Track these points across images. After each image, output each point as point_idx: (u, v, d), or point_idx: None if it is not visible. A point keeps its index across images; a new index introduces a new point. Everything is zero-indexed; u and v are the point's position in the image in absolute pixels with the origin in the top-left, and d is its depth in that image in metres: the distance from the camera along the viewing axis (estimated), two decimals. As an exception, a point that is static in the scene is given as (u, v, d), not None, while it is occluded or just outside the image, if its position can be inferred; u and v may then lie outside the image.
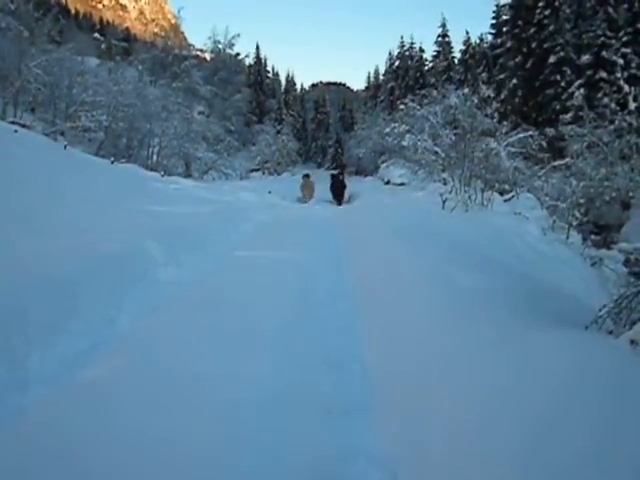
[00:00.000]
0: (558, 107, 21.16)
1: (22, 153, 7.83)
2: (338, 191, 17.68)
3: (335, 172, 20.78)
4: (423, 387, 2.81)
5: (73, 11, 69.51)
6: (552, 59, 22.16)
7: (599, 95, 18.82)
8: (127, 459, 2.30)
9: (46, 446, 2.34)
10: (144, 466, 2.27)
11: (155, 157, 19.77)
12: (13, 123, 12.24)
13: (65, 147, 10.79)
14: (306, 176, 18.27)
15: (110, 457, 2.31)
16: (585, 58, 20.80)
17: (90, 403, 2.73)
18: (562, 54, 22.01)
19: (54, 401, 2.73)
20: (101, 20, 77.63)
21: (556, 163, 12.41)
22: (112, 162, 12.34)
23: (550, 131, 16.79)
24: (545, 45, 22.52)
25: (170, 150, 20.68)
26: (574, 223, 9.21)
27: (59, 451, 2.32)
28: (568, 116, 18.73)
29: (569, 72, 21.71)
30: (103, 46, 37.63)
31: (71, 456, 2.29)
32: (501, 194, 12.05)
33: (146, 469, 2.26)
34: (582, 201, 9.65)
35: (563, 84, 21.70)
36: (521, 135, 13.09)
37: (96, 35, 44.06)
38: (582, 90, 19.92)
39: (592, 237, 9.58)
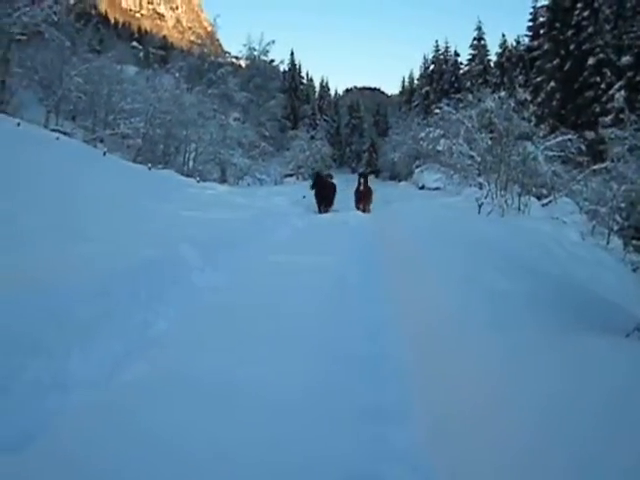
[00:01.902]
0: (598, 109, 20.76)
1: (66, 160, 8.07)
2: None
3: (325, 172, 17.78)
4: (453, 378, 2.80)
5: (113, 21, 71.47)
6: (591, 61, 21.74)
7: (641, 97, 18.35)
8: (163, 464, 2.32)
9: (87, 449, 2.39)
10: (180, 471, 2.29)
11: (191, 163, 20.11)
12: (55, 131, 12.64)
13: (104, 154, 11.07)
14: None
15: (145, 461, 2.32)
16: (626, 59, 20.34)
17: (128, 406, 2.77)
18: (602, 56, 21.57)
19: (93, 403, 2.78)
20: (139, 29, 79.70)
21: (596, 167, 12.11)
22: (149, 168, 12.62)
23: (589, 134, 16.42)
24: (584, 47, 22.11)
25: (206, 156, 20.98)
26: (615, 228, 8.99)
27: (98, 455, 2.35)
28: (608, 118, 18.35)
29: (609, 74, 21.26)
30: (141, 54, 38.50)
31: (108, 461, 2.32)
32: (538, 198, 11.85)
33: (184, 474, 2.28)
34: (623, 205, 9.41)
35: (603, 86, 21.27)
36: (559, 139, 12.82)
37: (134, 44, 45.20)
38: (623, 92, 19.47)
39: (634, 242, 9.31)
